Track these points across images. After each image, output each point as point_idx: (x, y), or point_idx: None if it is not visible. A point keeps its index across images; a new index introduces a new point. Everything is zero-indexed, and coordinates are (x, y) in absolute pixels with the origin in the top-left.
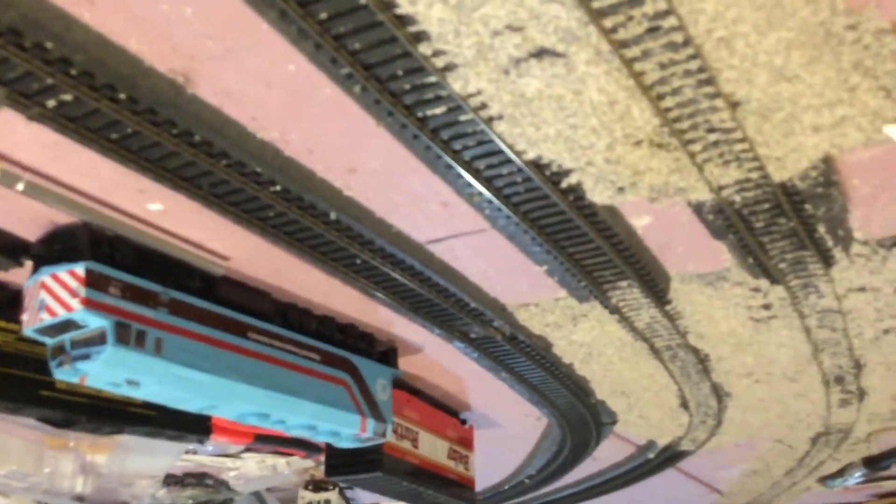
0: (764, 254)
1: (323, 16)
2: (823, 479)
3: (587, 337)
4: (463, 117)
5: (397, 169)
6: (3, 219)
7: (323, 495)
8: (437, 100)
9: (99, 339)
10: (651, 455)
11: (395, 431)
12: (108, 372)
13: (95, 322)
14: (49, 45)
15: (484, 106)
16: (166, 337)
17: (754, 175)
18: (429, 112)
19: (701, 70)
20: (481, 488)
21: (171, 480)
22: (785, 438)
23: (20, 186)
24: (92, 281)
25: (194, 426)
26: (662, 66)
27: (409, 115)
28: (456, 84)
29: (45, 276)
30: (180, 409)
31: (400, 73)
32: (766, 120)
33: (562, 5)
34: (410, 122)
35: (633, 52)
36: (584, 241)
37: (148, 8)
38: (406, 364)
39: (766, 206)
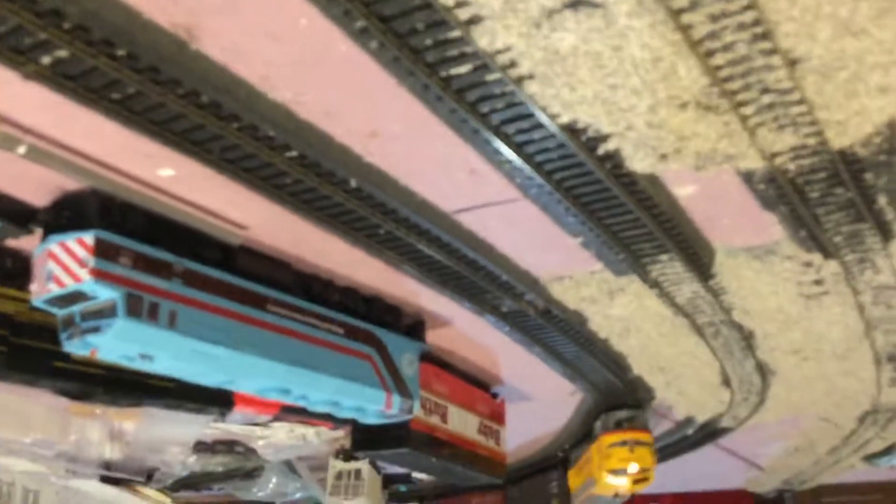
0: (818, 226)
1: None
2: (869, 457)
3: (624, 311)
4: (490, 77)
5: (421, 133)
6: (8, 184)
7: (353, 465)
8: (462, 57)
9: (109, 312)
10: (690, 431)
11: (423, 406)
12: (119, 345)
13: (105, 294)
14: None
15: (513, 64)
16: (181, 309)
17: (811, 141)
18: (453, 71)
19: (757, 23)
20: (512, 461)
21: (202, 447)
22: (831, 416)
23: (21, 150)
24: (101, 250)
25: (215, 399)
26: (713, 19)
27: (431, 75)
28: (482, 39)
29: (53, 244)
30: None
31: (420, 27)
32: (828, 80)
33: None
34: (433, 83)
35: (681, 1)
36: (622, 211)
37: None
38: (435, 337)
39: (823, 174)
